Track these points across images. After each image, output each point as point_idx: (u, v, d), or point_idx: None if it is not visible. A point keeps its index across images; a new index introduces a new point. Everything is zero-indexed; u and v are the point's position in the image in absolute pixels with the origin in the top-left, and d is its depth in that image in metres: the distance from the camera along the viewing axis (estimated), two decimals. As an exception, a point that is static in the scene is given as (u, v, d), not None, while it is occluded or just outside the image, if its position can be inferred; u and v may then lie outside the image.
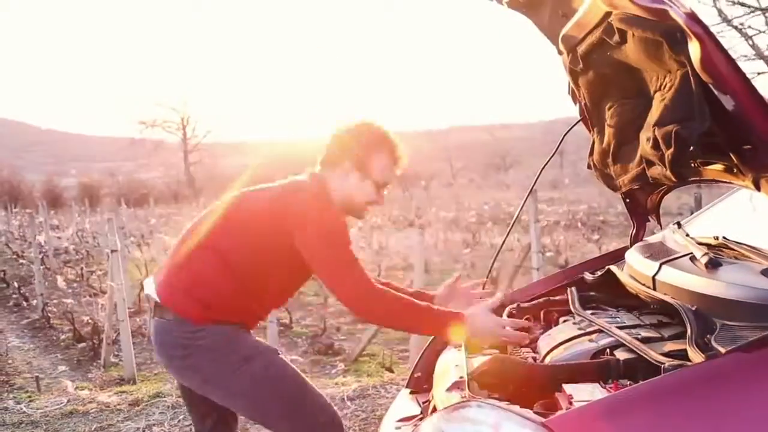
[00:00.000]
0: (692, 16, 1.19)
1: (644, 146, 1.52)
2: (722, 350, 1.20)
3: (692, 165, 1.57)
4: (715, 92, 1.23)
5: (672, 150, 1.35)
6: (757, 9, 5.77)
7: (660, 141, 1.39)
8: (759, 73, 5.97)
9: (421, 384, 2.03)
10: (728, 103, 1.22)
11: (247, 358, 1.74)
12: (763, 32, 5.96)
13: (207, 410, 1.88)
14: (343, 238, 1.70)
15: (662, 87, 1.47)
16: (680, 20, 1.20)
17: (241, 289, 1.75)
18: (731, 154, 1.38)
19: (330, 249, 1.67)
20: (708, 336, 1.29)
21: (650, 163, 1.55)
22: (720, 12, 5.80)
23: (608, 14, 1.49)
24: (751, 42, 5.99)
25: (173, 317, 1.74)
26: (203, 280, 1.75)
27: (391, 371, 4.12)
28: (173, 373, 1.87)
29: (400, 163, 1.83)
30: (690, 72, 1.28)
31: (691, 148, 1.32)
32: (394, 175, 1.85)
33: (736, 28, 5.88)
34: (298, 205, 1.72)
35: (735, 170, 1.44)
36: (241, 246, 1.75)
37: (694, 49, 1.20)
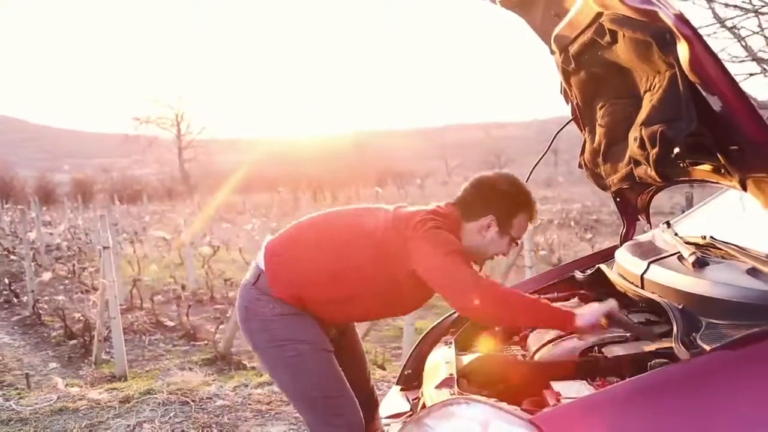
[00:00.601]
0: (681, 18, 1.21)
1: (632, 146, 1.53)
2: (707, 348, 1.22)
3: (681, 165, 1.59)
4: (703, 93, 1.25)
5: (657, 150, 1.36)
6: (750, 11, 5.79)
7: (646, 141, 1.40)
8: (751, 74, 6.00)
9: (411, 381, 2.04)
10: (715, 104, 1.23)
11: (296, 341, 1.77)
12: (757, 33, 5.98)
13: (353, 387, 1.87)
14: (454, 245, 1.68)
15: (652, 87, 1.48)
16: (669, 21, 1.21)
17: (332, 295, 1.78)
18: (719, 155, 1.39)
19: (442, 258, 1.64)
20: (693, 334, 1.31)
21: (637, 163, 1.56)
22: (714, 13, 5.81)
23: (599, 15, 1.50)
24: (744, 43, 6.00)
25: (261, 281, 1.80)
26: (305, 271, 1.79)
27: (383, 369, 4.12)
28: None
29: (535, 221, 1.87)
30: (678, 73, 1.29)
31: (677, 148, 1.34)
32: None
33: (729, 29, 5.90)
34: (421, 229, 1.70)
35: (723, 171, 1.46)
36: (352, 257, 1.76)
37: (683, 50, 1.21)
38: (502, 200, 1.77)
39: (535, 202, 1.84)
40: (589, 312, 1.58)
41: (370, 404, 2.03)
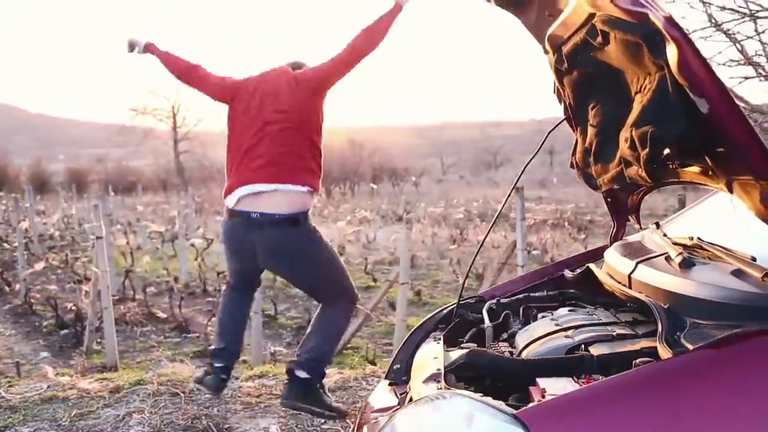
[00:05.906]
0: (671, 20, 1.22)
1: (622, 146, 1.54)
2: (690, 347, 1.24)
3: (670, 166, 1.60)
4: (691, 95, 1.26)
5: (647, 150, 1.38)
6: (746, 15, 5.82)
7: (636, 141, 1.41)
8: (746, 78, 6.03)
9: (400, 375, 2.05)
10: (703, 106, 1.24)
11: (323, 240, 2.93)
12: (751, 38, 6.00)
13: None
14: None
15: (642, 89, 1.49)
16: (659, 23, 1.23)
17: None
18: (706, 157, 1.41)
19: None
20: (678, 333, 1.32)
21: (628, 163, 1.58)
22: (710, 17, 5.84)
23: (592, 15, 1.51)
24: (739, 47, 6.03)
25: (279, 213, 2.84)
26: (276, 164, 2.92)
27: (374, 364, 4.14)
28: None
29: None
30: (668, 75, 1.31)
31: (667, 149, 1.35)
32: None
33: (725, 33, 5.92)
34: None
35: (710, 173, 1.47)
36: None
37: (672, 52, 1.22)
38: None
39: None
40: None
41: None
